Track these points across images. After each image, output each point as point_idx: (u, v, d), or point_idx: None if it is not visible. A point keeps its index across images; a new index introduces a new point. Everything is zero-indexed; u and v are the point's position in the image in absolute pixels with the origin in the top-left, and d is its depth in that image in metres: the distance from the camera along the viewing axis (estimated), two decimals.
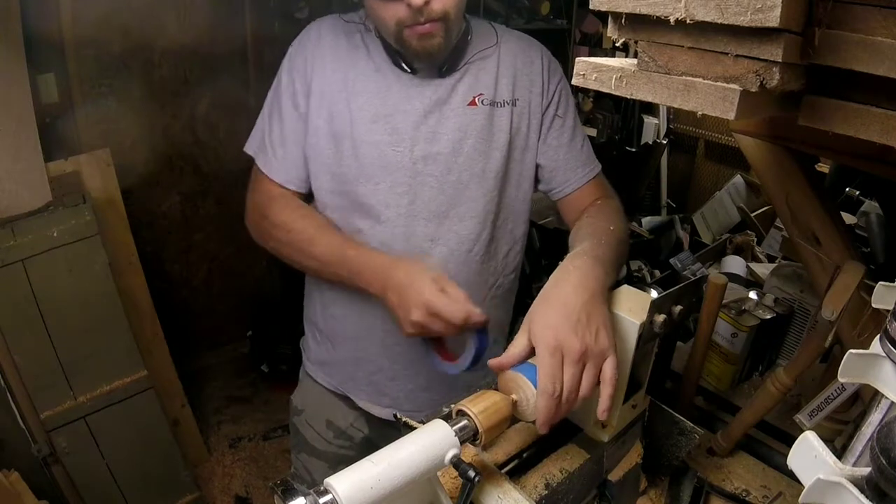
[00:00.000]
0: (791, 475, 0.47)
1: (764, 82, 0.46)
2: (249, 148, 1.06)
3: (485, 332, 0.83)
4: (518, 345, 0.67)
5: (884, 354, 0.46)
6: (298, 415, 1.20)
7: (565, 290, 0.69)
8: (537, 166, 1.07)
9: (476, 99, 0.99)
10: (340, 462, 1.15)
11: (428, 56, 0.92)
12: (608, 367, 0.65)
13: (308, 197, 1.05)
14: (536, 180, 1.09)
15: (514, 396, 0.64)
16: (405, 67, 0.97)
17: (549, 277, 0.74)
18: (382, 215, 0.99)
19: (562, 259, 0.78)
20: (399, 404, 1.09)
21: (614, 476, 0.76)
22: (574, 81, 0.59)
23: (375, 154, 0.97)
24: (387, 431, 1.12)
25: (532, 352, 0.66)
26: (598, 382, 0.66)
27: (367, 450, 0.55)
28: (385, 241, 0.99)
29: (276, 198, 1.02)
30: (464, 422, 0.60)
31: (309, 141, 1.00)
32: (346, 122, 0.97)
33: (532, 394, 0.63)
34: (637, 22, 0.52)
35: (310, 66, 0.98)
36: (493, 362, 0.68)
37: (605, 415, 0.66)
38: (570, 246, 0.86)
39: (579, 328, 0.65)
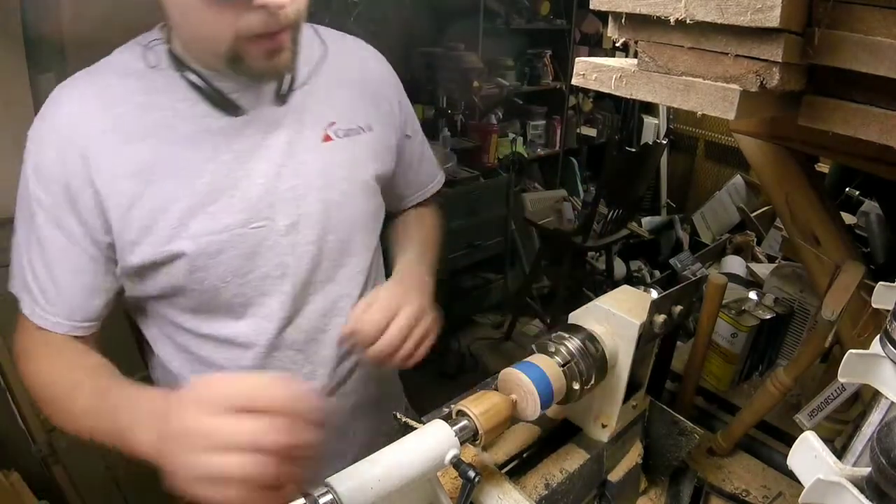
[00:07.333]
0: (791, 475, 0.47)
1: (764, 82, 0.46)
2: (14, 287, 0.77)
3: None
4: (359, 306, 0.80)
5: (884, 354, 0.46)
6: None
7: (397, 286, 0.84)
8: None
9: (329, 132, 0.81)
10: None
11: (275, 75, 0.74)
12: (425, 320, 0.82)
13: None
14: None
15: (513, 396, 0.64)
16: (229, 108, 0.73)
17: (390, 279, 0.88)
18: (264, 308, 0.79)
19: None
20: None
21: (614, 476, 0.76)
22: (574, 81, 0.59)
23: (231, 242, 0.74)
24: None
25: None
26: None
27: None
28: (275, 341, 0.81)
29: (45, 343, 0.76)
30: (464, 422, 0.60)
31: (129, 262, 0.73)
32: (174, 218, 0.71)
33: (531, 391, 0.63)
34: (637, 22, 0.52)
35: (80, 162, 0.69)
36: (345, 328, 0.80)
37: (406, 358, 0.79)
38: (396, 235, 1.01)
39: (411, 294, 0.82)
